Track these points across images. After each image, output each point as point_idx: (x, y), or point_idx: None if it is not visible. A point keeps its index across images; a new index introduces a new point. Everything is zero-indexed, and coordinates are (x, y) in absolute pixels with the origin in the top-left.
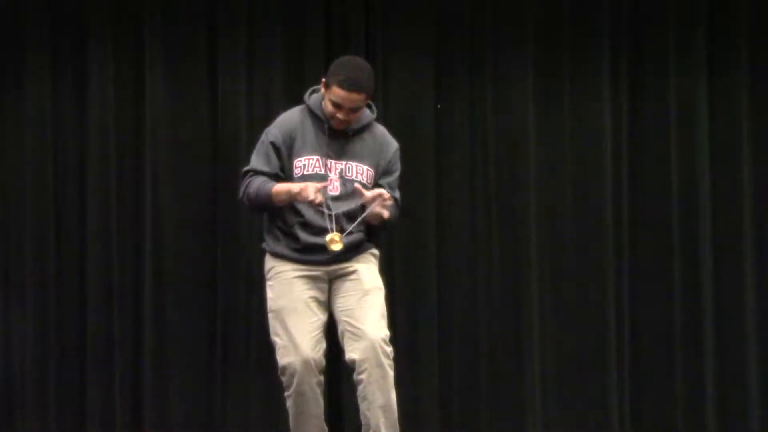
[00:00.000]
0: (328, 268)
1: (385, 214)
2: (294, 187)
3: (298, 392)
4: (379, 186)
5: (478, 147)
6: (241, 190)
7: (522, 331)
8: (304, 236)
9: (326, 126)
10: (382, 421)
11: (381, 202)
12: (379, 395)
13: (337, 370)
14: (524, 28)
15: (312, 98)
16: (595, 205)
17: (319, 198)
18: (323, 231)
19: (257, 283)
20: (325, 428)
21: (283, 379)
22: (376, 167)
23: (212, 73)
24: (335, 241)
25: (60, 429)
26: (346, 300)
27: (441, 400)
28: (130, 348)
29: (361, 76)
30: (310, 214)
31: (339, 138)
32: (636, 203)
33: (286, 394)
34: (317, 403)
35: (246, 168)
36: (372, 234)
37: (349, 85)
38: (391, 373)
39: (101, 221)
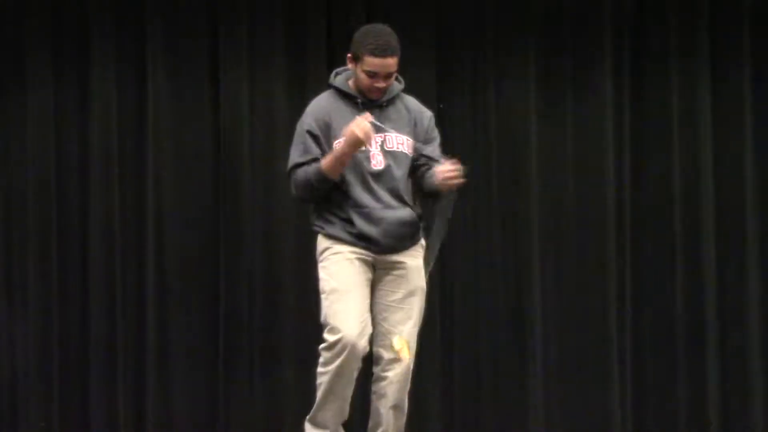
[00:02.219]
0: (379, 257)
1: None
2: (339, 145)
3: (337, 372)
4: (424, 156)
5: (479, 147)
6: (292, 184)
7: (524, 333)
8: (360, 223)
9: (359, 102)
10: (392, 422)
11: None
12: (397, 396)
13: None
14: (526, 29)
15: (338, 79)
16: (597, 205)
17: (369, 133)
18: (378, 221)
19: (260, 285)
20: (348, 413)
21: (327, 355)
22: (414, 136)
23: (214, 74)
24: (403, 348)
25: (63, 430)
26: (388, 295)
27: (443, 401)
28: (133, 349)
29: (389, 40)
30: (365, 200)
31: (373, 111)
32: (638, 203)
33: (322, 370)
34: (350, 387)
35: (288, 166)
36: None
37: (381, 51)
38: (410, 377)
39: (104, 223)
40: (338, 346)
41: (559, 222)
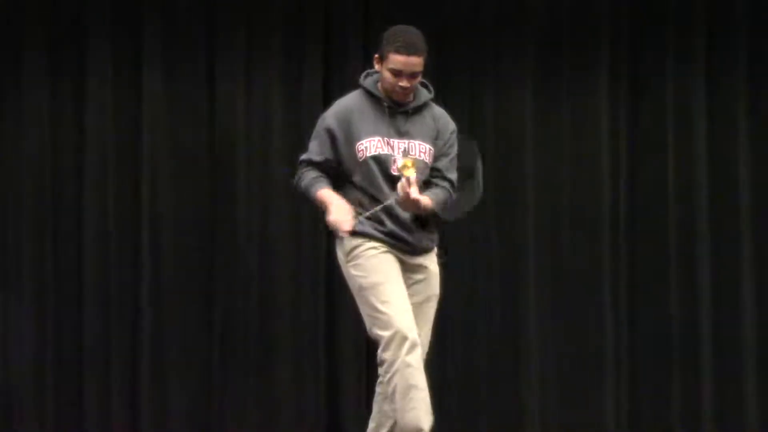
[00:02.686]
0: (406, 258)
1: (423, 201)
2: (331, 209)
3: (405, 362)
4: (435, 170)
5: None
6: (296, 177)
7: (520, 334)
8: (389, 224)
9: (386, 105)
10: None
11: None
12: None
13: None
14: (524, 32)
15: (367, 80)
16: (593, 206)
17: (347, 228)
18: (404, 226)
19: (255, 287)
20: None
21: (387, 354)
22: (435, 147)
23: (210, 76)
24: (407, 167)
25: (58, 431)
26: (409, 298)
27: (440, 400)
28: (128, 350)
29: (415, 39)
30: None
31: (399, 117)
32: (634, 205)
33: (388, 374)
34: (423, 377)
35: (302, 156)
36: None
37: (406, 49)
38: None
39: (99, 224)
40: (396, 340)
41: (555, 222)
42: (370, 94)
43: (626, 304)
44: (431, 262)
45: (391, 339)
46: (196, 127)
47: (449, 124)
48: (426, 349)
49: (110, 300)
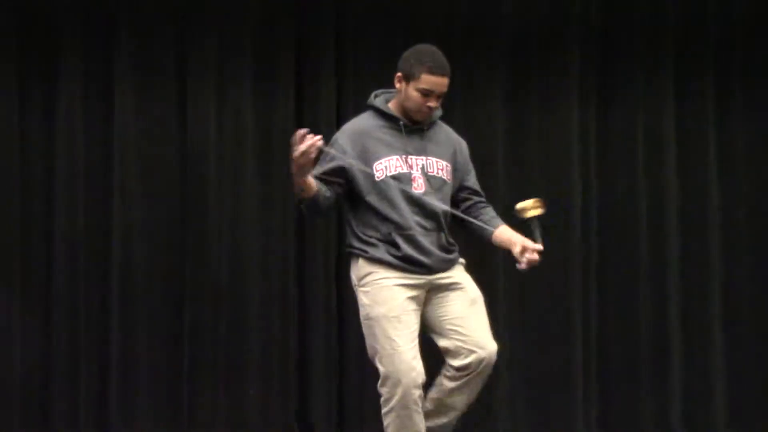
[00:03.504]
0: (429, 277)
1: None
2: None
3: (402, 404)
4: (465, 188)
5: None
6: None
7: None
8: (405, 247)
9: (401, 123)
10: (443, 420)
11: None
12: (465, 399)
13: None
14: (495, 45)
15: (378, 100)
16: (563, 222)
17: (308, 139)
18: (421, 248)
19: (225, 299)
20: None
21: (385, 390)
22: (454, 163)
23: (182, 91)
24: (527, 209)
25: None
26: (452, 309)
27: None
28: (97, 362)
29: (444, 60)
30: (407, 222)
31: (415, 134)
32: (604, 220)
33: (385, 409)
34: (420, 418)
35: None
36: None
37: (439, 69)
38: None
39: (69, 237)
40: (393, 378)
41: (526, 232)
42: (383, 114)
43: (596, 316)
44: (458, 272)
45: (387, 377)
46: (167, 144)
47: (462, 141)
48: (495, 348)
49: (79, 313)
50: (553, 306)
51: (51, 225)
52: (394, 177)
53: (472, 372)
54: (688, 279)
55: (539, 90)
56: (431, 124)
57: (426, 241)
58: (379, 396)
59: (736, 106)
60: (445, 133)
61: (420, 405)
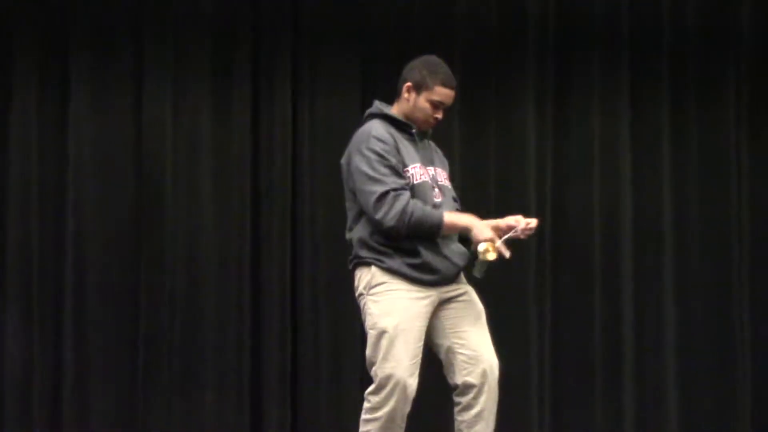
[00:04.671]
0: (441, 289)
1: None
2: (467, 221)
3: (389, 417)
4: (454, 199)
5: None
6: (394, 212)
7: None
8: (425, 254)
9: (414, 132)
10: None
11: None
12: (489, 424)
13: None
14: (450, 57)
15: (387, 110)
16: None
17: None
18: (440, 255)
19: (180, 306)
20: None
21: (375, 399)
22: (450, 174)
23: (137, 98)
24: (489, 251)
25: None
26: (458, 322)
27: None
28: (50, 369)
29: (451, 72)
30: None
31: (422, 144)
32: (558, 232)
33: (369, 417)
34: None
35: (382, 189)
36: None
37: (450, 82)
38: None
39: (22, 243)
40: (387, 389)
41: None
42: (395, 122)
43: (550, 332)
44: (465, 283)
45: (382, 387)
46: (123, 150)
47: None
48: (497, 362)
49: (32, 319)
50: (508, 313)
51: (4, 230)
52: (420, 184)
53: (478, 390)
54: (641, 286)
55: (495, 98)
56: (423, 134)
57: (445, 248)
58: (363, 400)
59: (690, 114)
60: (433, 144)
61: (404, 423)
